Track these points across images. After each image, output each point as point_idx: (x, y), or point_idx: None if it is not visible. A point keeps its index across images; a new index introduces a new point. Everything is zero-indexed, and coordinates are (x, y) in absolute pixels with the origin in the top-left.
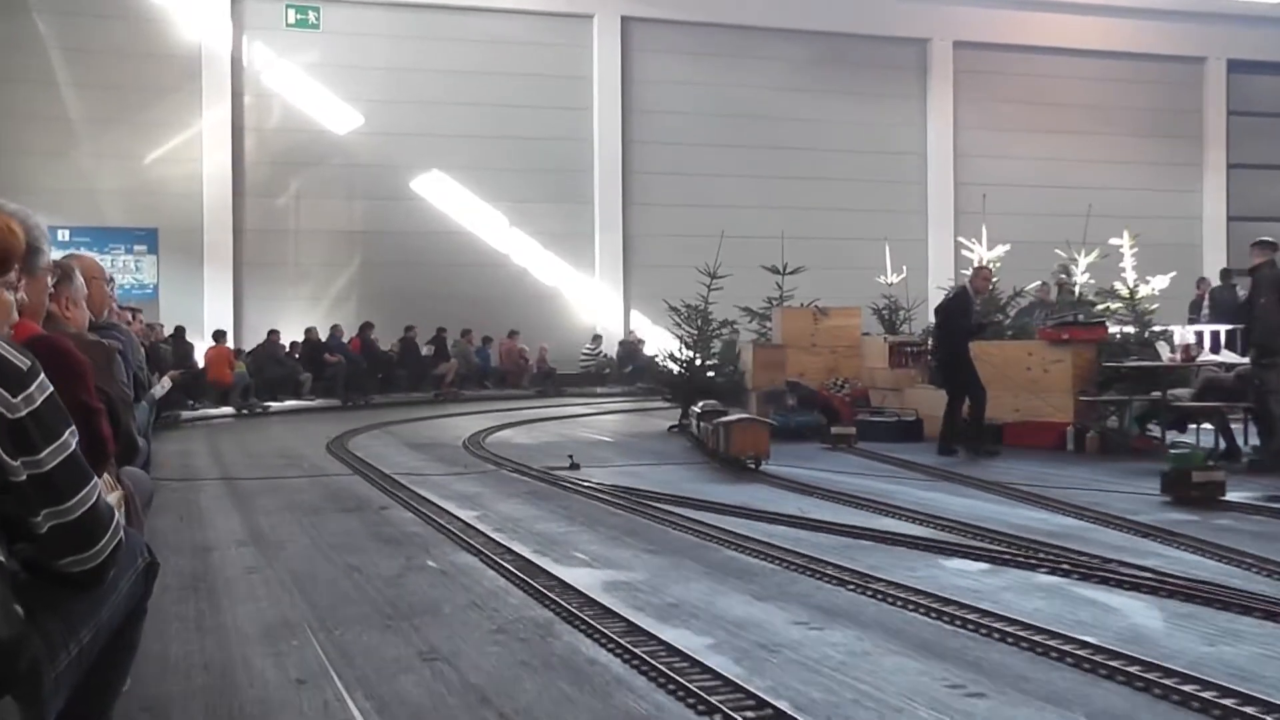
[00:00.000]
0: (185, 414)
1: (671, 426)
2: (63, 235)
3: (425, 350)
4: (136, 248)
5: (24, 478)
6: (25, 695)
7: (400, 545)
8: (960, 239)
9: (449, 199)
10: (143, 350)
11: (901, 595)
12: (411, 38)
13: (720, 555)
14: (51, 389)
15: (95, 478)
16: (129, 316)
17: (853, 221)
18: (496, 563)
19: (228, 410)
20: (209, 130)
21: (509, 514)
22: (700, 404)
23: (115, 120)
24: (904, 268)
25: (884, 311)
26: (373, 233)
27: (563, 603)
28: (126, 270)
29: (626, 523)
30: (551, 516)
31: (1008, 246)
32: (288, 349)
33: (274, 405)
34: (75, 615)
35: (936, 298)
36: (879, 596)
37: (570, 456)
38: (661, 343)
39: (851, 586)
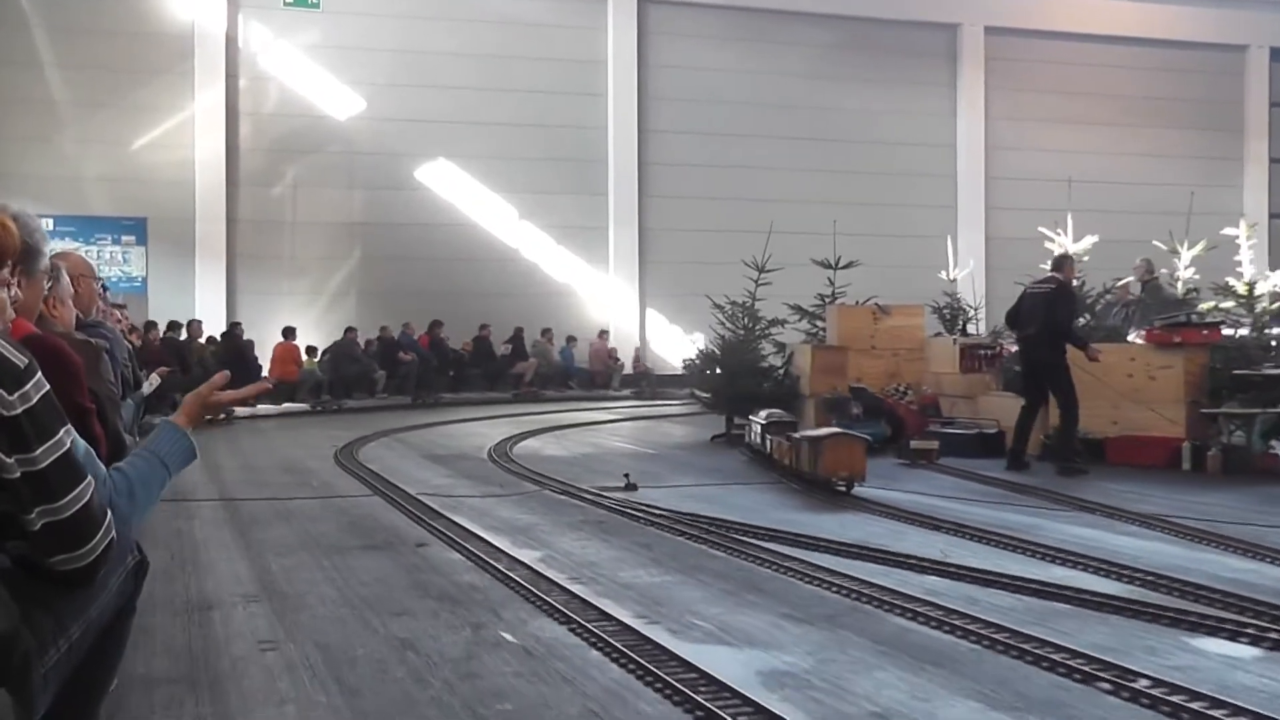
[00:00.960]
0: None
1: (715, 436)
2: (46, 224)
3: (502, 349)
4: (124, 238)
5: (18, 475)
6: (16, 689)
7: (458, 605)
8: (991, 234)
9: (455, 189)
10: (129, 347)
11: (1175, 699)
12: (416, 18)
13: (888, 625)
14: (48, 388)
15: (89, 477)
16: (116, 313)
17: (879, 216)
18: (596, 636)
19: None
20: (201, 114)
21: (580, 555)
22: (764, 414)
23: (102, 103)
24: (970, 262)
25: (945, 310)
26: (374, 225)
27: (722, 714)
28: (114, 262)
29: (734, 568)
30: (635, 559)
31: (1095, 238)
32: (363, 346)
33: (350, 403)
34: (66, 612)
35: (1002, 297)
36: (1149, 703)
37: (626, 476)
38: (676, 343)
39: (1104, 684)
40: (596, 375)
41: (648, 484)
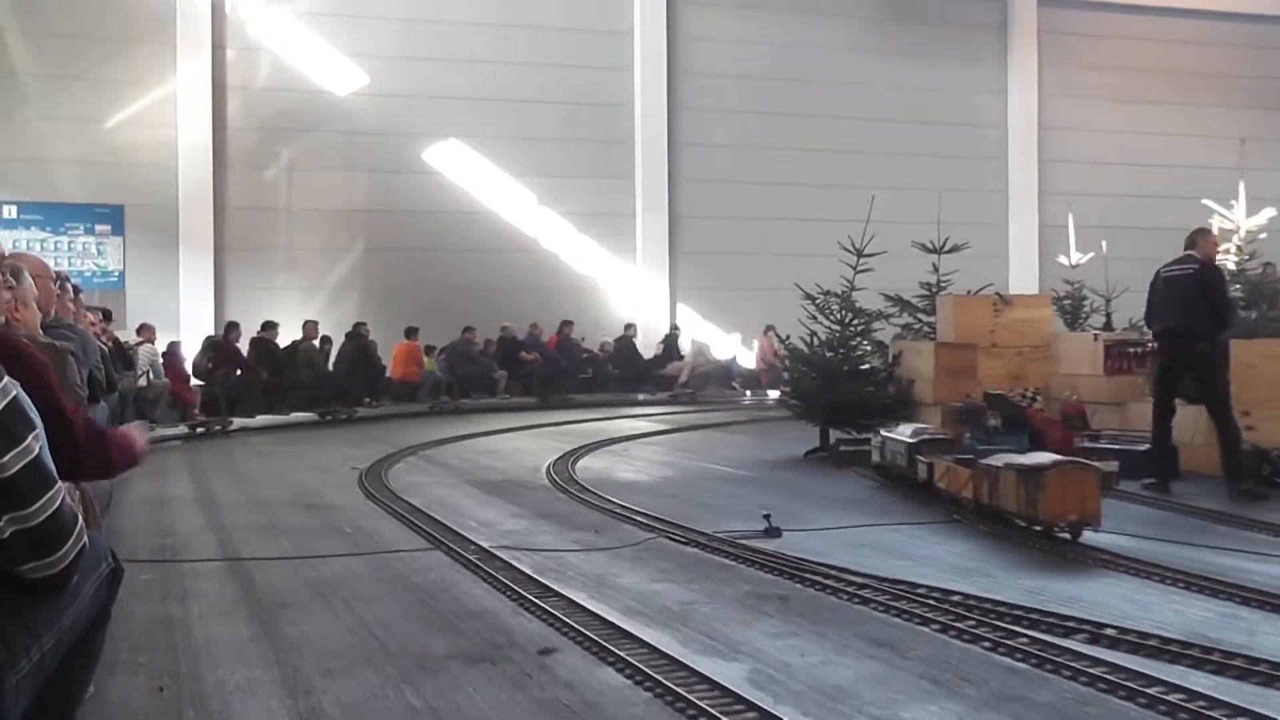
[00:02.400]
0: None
1: (810, 452)
2: (9, 212)
3: (657, 348)
4: (99, 228)
5: None
6: None
7: None
8: (1047, 225)
9: (467, 173)
10: (103, 350)
11: None
12: None
13: None
14: (15, 393)
15: (59, 483)
16: (88, 315)
17: (927, 202)
18: None
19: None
20: (184, 90)
21: (803, 669)
22: (909, 429)
23: (72, 76)
24: (1102, 244)
25: (1065, 302)
26: (378, 212)
27: None
28: (86, 255)
29: (1063, 696)
30: (888, 672)
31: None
32: (481, 347)
33: (467, 403)
34: (37, 621)
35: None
36: None
37: (767, 517)
38: (713, 342)
39: None
40: (762, 375)
41: (785, 524)
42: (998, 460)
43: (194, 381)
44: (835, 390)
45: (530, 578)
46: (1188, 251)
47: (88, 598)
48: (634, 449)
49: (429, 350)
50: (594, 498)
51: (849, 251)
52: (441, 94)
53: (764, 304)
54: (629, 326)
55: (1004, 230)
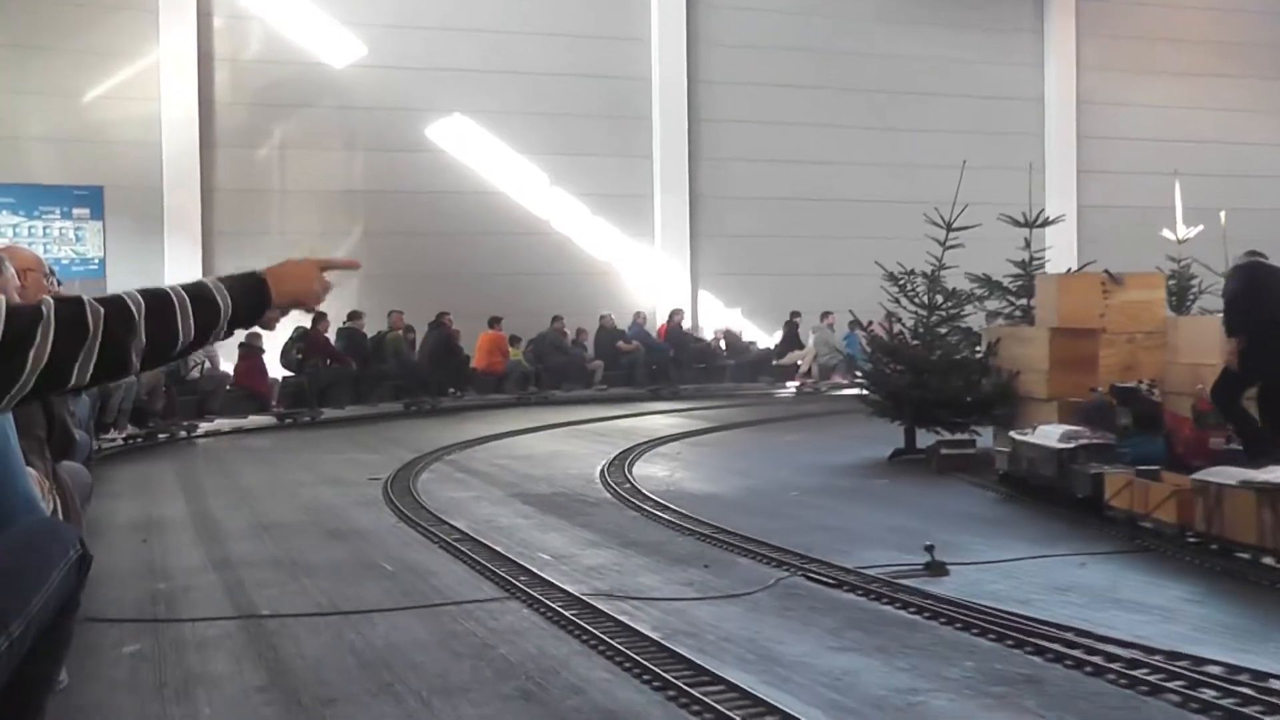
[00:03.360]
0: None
1: (897, 454)
2: None
3: (775, 337)
4: (76, 211)
5: None
6: None
7: None
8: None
9: (474, 151)
10: None
11: None
12: None
13: None
14: None
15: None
16: None
17: (963, 181)
18: None
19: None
20: (168, 61)
21: None
22: (1057, 431)
23: (45, 46)
24: (1220, 215)
25: (1171, 282)
26: (378, 193)
27: None
28: (64, 240)
29: None
30: None
31: None
32: (574, 336)
33: (558, 394)
34: (6, 609)
35: None
36: None
37: (930, 549)
38: (736, 330)
39: None
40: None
41: (935, 552)
42: (1222, 476)
43: (284, 373)
44: (926, 384)
45: (660, 646)
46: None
47: (56, 585)
48: (686, 452)
49: (514, 340)
50: (677, 516)
51: (936, 225)
52: (445, 66)
53: (790, 289)
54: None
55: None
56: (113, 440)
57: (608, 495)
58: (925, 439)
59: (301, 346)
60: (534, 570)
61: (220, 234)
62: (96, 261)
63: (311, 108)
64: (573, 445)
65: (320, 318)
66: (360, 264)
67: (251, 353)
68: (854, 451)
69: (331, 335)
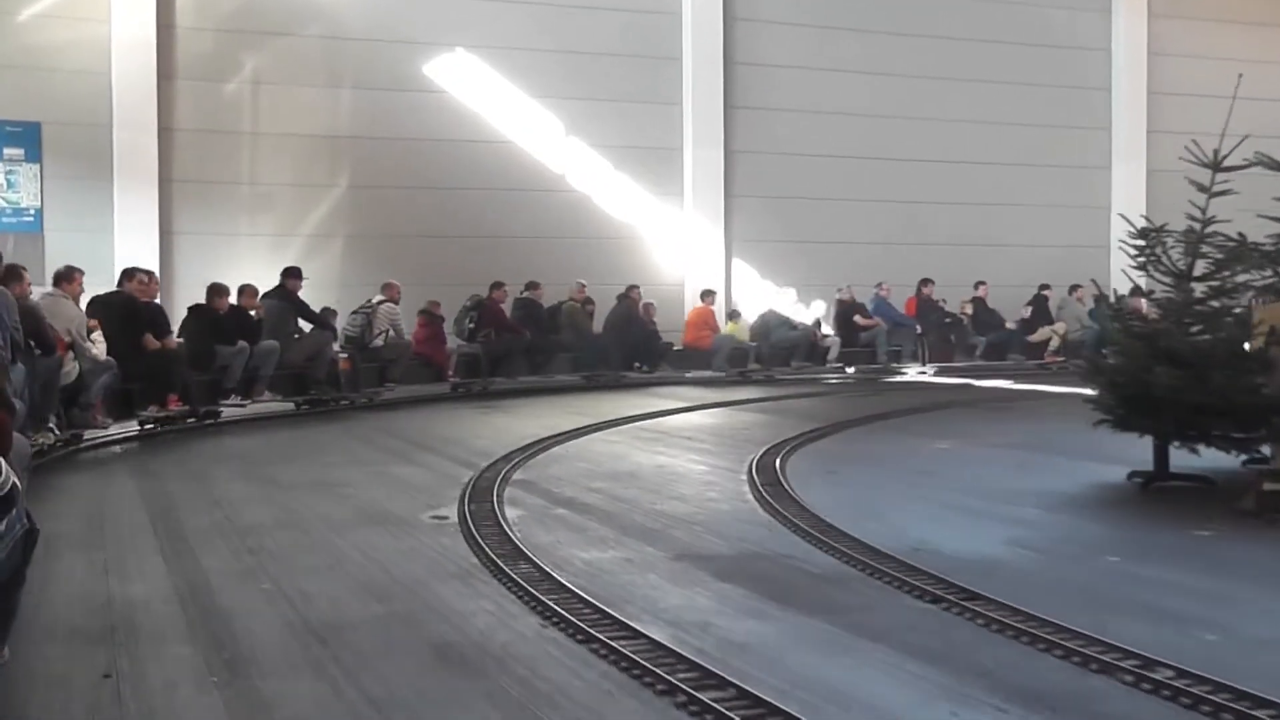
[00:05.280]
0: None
1: (1145, 479)
2: None
3: (1024, 311)
4: (8, 152)
5: None
6: None
7: None
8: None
9: (478, 92)
10: (36, 311)
11: None
12: None
13: None
14: None
15: None
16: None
17: (1019, 139)
18: None
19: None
20: None
21: None
22: None
23: None
24: None
25: None
26: (367, 139)
27: None
28: None
29: None
30: None
31: None
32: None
33: (785, 371)
34: None
35: None
36: None
37: None
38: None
39: None
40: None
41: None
42: None
43: (456, 342)
44: (1204, 384)
45: None
46: None
47: (1, 560)
48: (839, 460)
49: (734, 315)
50: (990, 608)
51: (1198, 164)
52: None
53: (833, 258)
54: (980, 284)
55: (1106, 175)
56: (238, 405)
57: (831, 559)
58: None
59: (474, 316)
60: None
61: (180, 182)
62: (32, 213)
63: (290, 36)
64: (628, 448)
65: (497, 286)
66: None
67: (431, 320)
68: (1064, 469)
69: (508, 305)
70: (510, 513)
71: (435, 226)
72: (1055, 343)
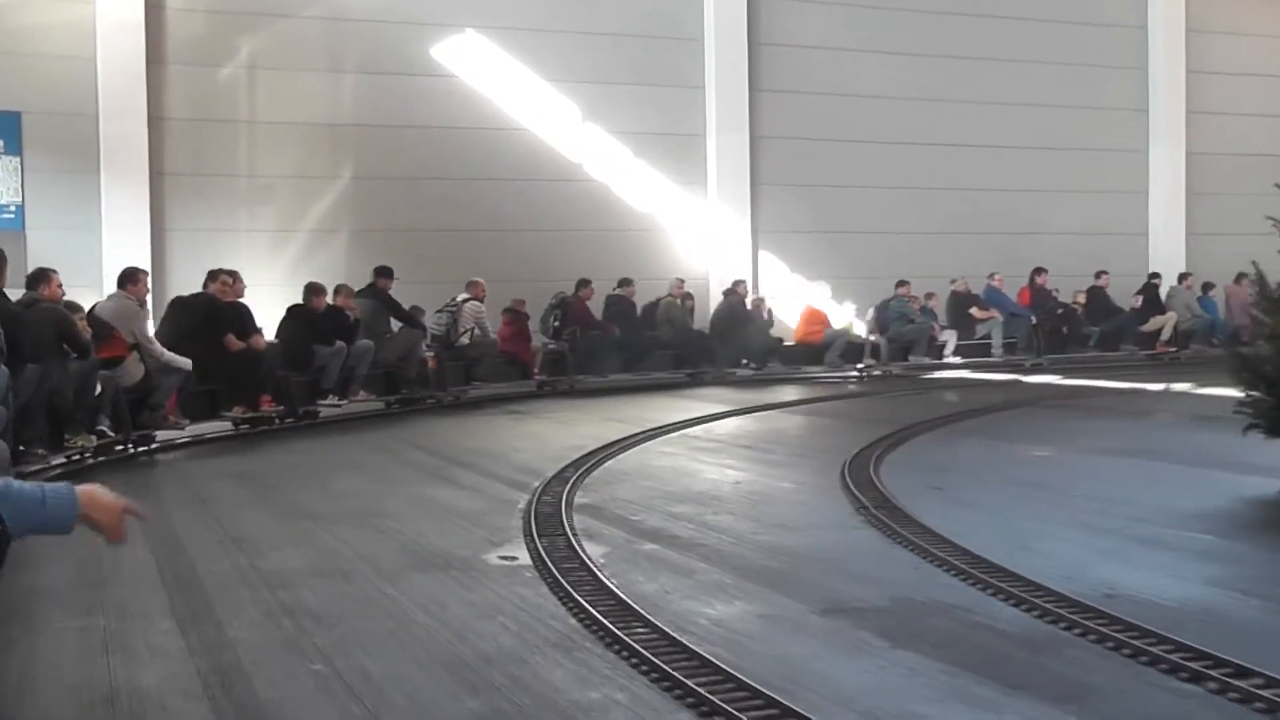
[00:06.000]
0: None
1: None
2: None
3: (1134, 301)
4: None
5: None
6: None
7: None
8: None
9: (489, 77)
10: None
11: None
12: None
13: None
14: None
15: None
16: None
17: (1053, 121)
18: None
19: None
20: None
21: None
22: None
23: None
24: None
25: None
26: (372, 128)
27: None
28: None
29: None
30: None
31: None
32: (923, 302)
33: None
34: None
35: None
36: None
37: None
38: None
39: None
40: (1241, 329)
41: None
42: None
43: (541, 340)
44: None
45: None
46: None
47: None
48: (933, 470)
49: (847, 309)
50: (1164, 646)
51: None
52: None
53: (867, 249)
54: (1101, 274)
55: (1143, 159)
56: (334, 405)
57: (1017, 612)
58: None
59: (559, 314)
60: None
61: (172, 176)
62: (13, 209)
63: (289, 18)
64: (689, 462)
65: (584, 284)
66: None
67: (516, 318)
68: (1198, 481)
69: (598, 303)
70: (592, 550)
71: (444, 219)
72: (1167, 332)
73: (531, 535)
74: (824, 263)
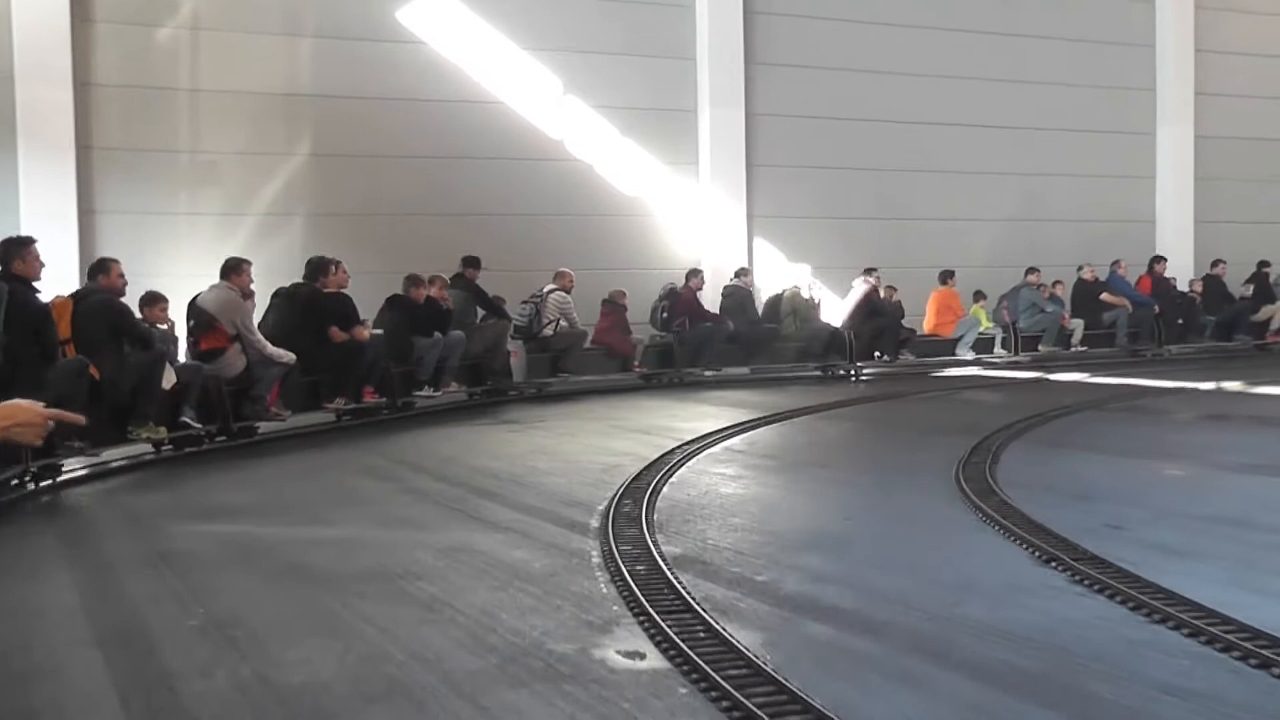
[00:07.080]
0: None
1: None
2: None
3: (1242, 289)
4: None
5: None
6: None
7: None
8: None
9: (461, 44)
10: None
11: None
12: None
13: None
14: None
15: None
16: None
17: (1060, 102)
18: None
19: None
20: None
21: None
22: None
23: None
24: None
25: None
26: (331, 99)
27: None
28: None
29: None
30: None
31: None
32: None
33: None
34: None
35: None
36: None
37: None
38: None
39: None
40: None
41: None
42: None
43: (649, 331)
44: None
45: None
46: None
47: None
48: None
49: (978, 297)
50: None
51: None
52: None
53: (869, 235)
54: (1217, 263)
55: (1150, 141)
56: (430, 396)
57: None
58: None
59: (668, 305)
60: None
61: (102, 150)
62: None
63: None
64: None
65: (694, 274)
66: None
67: (614, 309)
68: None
69: (712, 293)
70: (744, 637)
71: (410, 201)
72: (1277, 321)
73: (646, 612)
74: (823, 249)
